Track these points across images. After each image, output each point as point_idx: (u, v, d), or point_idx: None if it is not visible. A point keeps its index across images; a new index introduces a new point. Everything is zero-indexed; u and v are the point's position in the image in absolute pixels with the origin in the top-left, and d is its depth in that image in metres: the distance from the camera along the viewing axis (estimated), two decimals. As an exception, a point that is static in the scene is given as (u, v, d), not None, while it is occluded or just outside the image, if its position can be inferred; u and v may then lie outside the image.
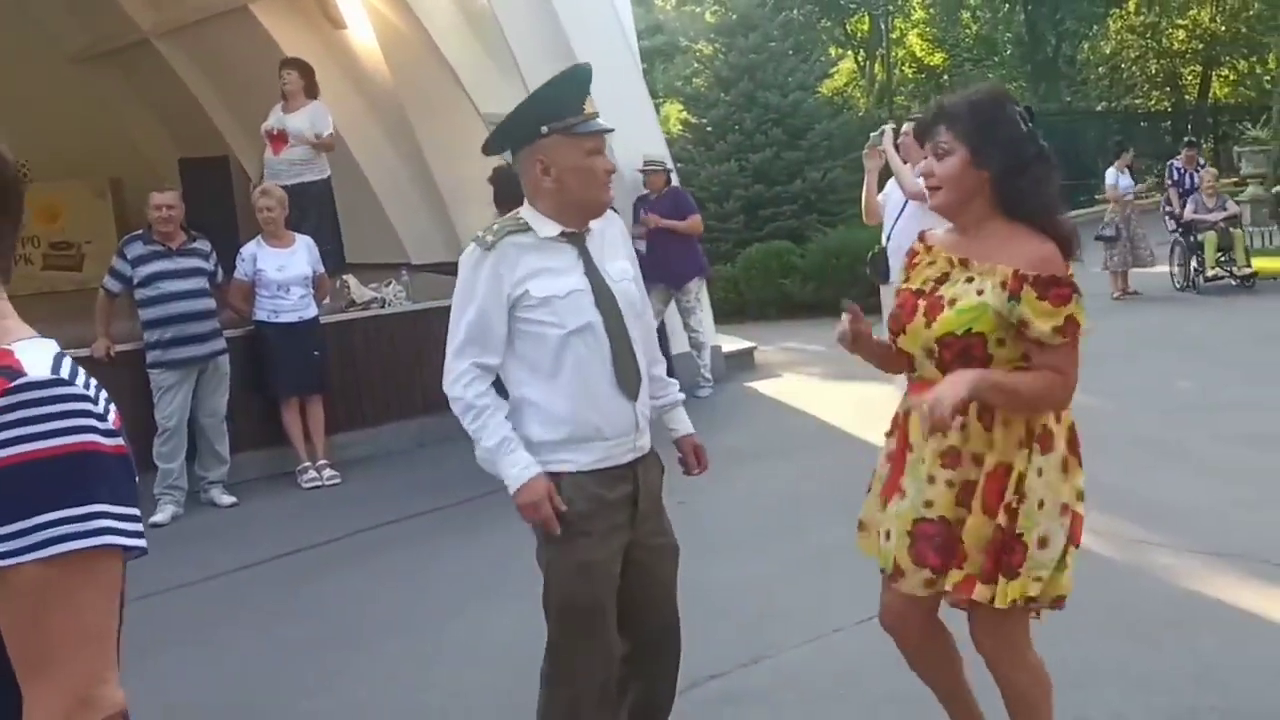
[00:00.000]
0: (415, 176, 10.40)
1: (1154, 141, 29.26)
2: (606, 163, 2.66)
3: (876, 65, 29.26)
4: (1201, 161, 13.87)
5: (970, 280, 2.51)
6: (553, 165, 2.60)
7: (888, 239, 6.84)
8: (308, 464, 6.95)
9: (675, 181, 9.10)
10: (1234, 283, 12.21)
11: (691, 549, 5.01)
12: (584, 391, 2.65)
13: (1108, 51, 31.82)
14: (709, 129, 14.79)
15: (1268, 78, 30.78)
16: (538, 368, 2.66)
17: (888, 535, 2.62)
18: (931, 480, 2.56)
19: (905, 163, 6.71)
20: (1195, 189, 12.84)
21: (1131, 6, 29.86)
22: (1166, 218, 13.13)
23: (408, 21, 9.42)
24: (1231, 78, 32.80)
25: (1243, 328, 9.85)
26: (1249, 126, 20.20)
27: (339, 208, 8.49)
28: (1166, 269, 12.74)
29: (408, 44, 9.68)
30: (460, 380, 2.65)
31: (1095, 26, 28.98)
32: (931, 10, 31.08)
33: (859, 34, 31.51)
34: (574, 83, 2.68)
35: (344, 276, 7.94)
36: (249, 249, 6.83)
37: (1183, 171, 13.47)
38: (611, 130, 2.75)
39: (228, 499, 6.60)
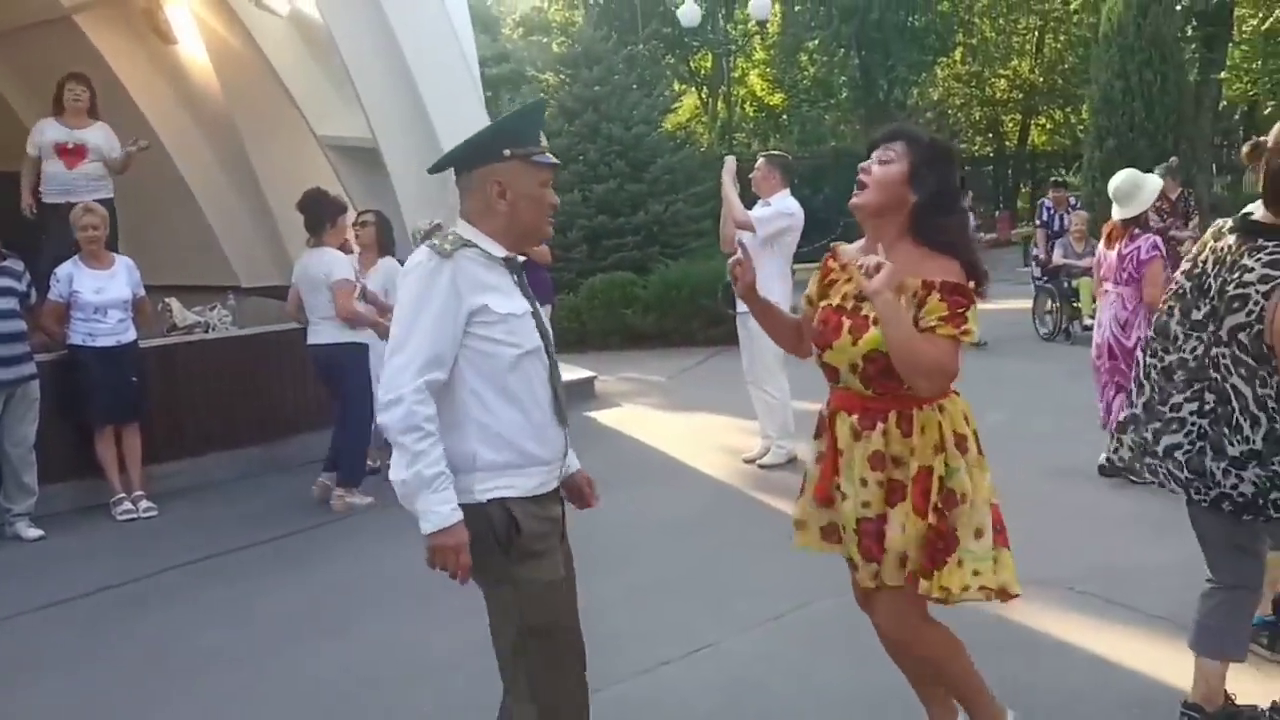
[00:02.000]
0: (246, 197, 10.12)
1: (978, 185, 30.77)
2: (554, 197, 2.70)
3: (719, 103, 29.93)
4: (1074, 202, 12.86)
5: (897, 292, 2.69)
6: (509, 189, 2.58)
7: (729, 271, 6.97)
8: (123, 495, 6.63)
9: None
10: None
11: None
12: (529, 415, 2.59)
13: (935, 98, 33.39)
14: (556, 159, 14.82)
15: (1080, 127, 32.83)
16: (487, 387, 2.56)
17: (844, 528, 2.89)
18: (864, 482, 2.80)
19: (759, 197, 6.94)
20: (1064, 231, 12.02)
21: (957, 56, 31.45)
22: (1033, 262, 12.33)
23: (241, 39, 9.19)
24: (1048, 126, 34.81)
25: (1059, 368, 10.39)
26: (1064, 172, 21.50)
27: (166, 227, 8.19)
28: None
29: (241, 62, 9.43)
30: (411, 396, 2.45)
31: (924, 74, 30.39)
32: (772, 51, 32.03)
33: (702, 71, 32.20)
34: (536, 116, 2.78)
35: (166, 299, 7.62)
36: (65, 269, 6.48)
37: (1052, 212, 12.52)
38: (560, 166, 2.80)
39: (34, 532, 6.22)
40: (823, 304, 2.90)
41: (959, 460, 2.74)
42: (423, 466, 2.45)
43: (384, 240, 7.22)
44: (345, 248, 6.82)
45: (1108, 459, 6.37)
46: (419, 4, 8.57)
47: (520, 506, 2.57)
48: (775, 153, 7.63)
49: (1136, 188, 6.09)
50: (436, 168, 2.73)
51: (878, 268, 2.53)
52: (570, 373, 9.92)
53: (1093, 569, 4.82)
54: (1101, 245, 6.35)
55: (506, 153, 2.57)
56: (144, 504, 6.64)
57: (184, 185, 9.68)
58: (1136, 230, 6.13)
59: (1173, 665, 3.80)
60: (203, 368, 7.35)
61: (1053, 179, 14.10)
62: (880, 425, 2.75)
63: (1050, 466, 6.45)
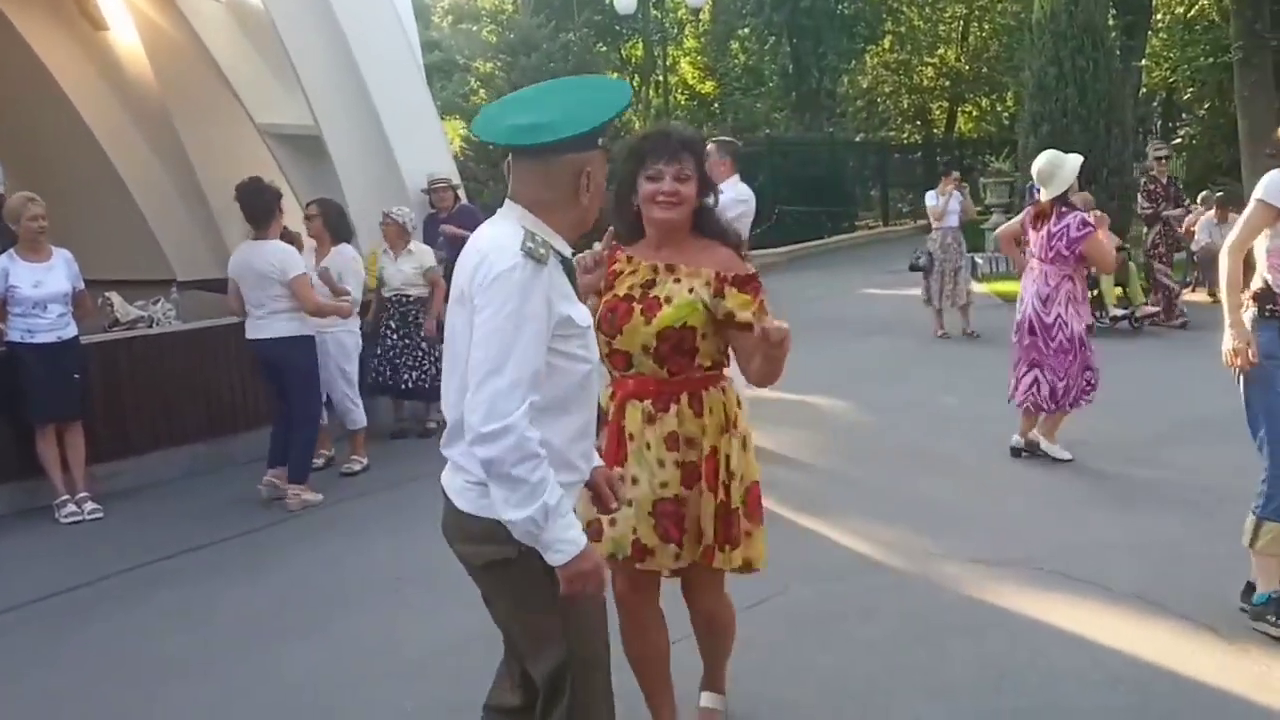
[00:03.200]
0: (183, 188, 9.87)
1: (907, 172, 31.16)
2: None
3: (652, 90, 29.91)
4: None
5: (678, 281, 2.94)
6: (592, 180, 2.37)
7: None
8: (66, 497, 6.40)
9: (464, 199, 8.96)
10: (1133, 325, 11.12)
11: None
12: (582, 430, 2.43)
13: (864, 86, 33.72)
14: (496, 147, 14.67)
15: (1006, 114, 33.37)
16: (555, 405, 2.33)
17: (613, 523, 2.95)
18: (661, 464, 2.96)
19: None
20: None
21: (886, 44, 31.77)
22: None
23: (176, 25, 8.94)
24: (975, 113, 35.35)
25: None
26: (992, 159, 21.78)
27: (97, 219, 7.94)
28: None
29: (176, 49, 9.19)
30: (521, 423, 2.18)
31: (854, 61, 30.65)
32: (703, 40, 32.09)
33: (633, 59, 32.14)
34: None
35: (106, 294, 7.38)
36: (0, 262, 6.24)
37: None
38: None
39: (-27, 537, 5.99)
40: (608, 296, 3.04)
41: (737, 439, 3.00)
42: (547, 497, 2.20)
43: (335, 228, 7.10)
44: (290, 239, 6.67)
45: (1019, 439, 6.49)
46: (361, -10, 8.41)
47: None
48: (725, 139, 7.59)
49: (1057, 168, 6.21)
50: (547, 141, 2.27)
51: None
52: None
53: (1057, 548, 4.89)
54: (1028, 225, 6.42)
55: (600, 141, 2.35)
56: (89, 505, 6.42)
57: (116, 176, 9.39)
58: (1063, 209, 6.22)
59: (1150, 642, 3.87)
60: (147, 363, 7.12)
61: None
62: (674, 406, 2.94)
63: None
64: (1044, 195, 6.27)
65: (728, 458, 2.97)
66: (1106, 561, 4.67)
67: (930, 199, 11.62)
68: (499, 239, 2.30)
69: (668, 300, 2.92)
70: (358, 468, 7.16)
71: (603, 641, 2.50)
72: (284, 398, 6.48)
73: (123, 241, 9.17)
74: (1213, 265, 12.92)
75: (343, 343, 7.05)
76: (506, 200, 2.40)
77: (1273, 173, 3.83)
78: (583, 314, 2.39)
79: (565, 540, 2.24)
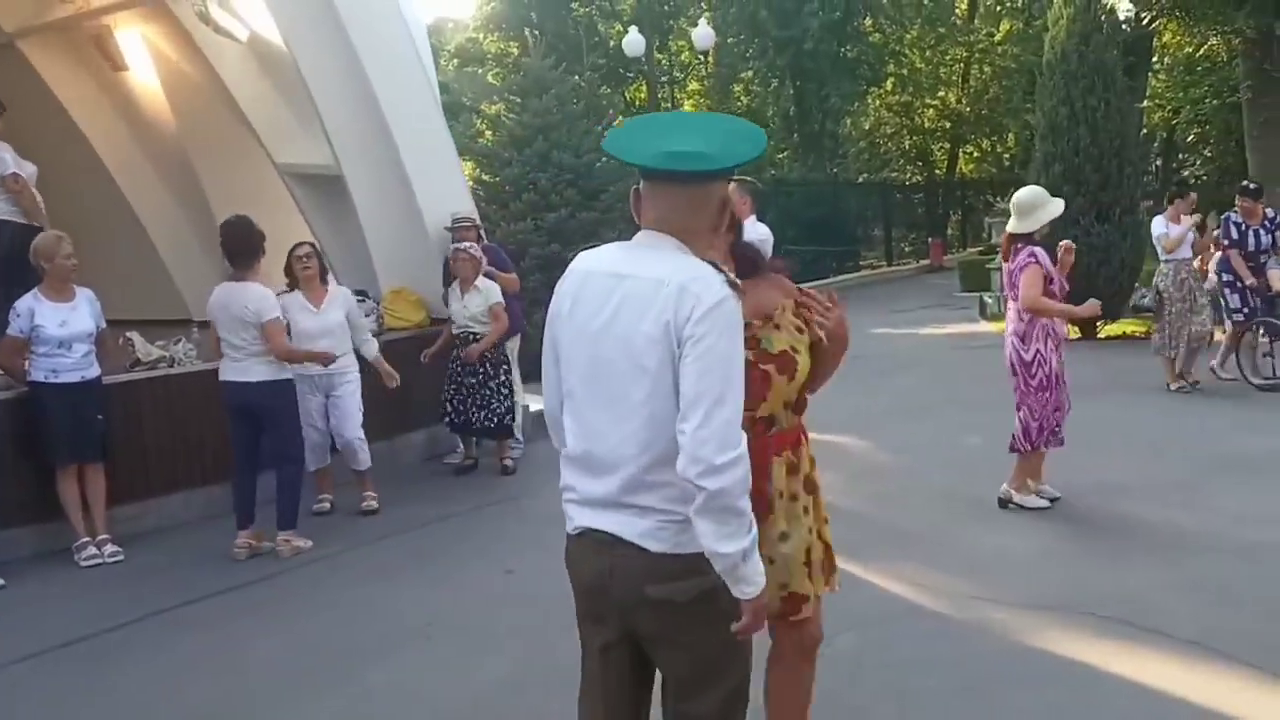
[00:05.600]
0: (200, 229, 9.82)
1: (909, 213, 31.28)
2: None
3: (655, 132, 29.99)
4: (1271, 214, 9.86)
5: (778, 328, 2.87)
6: (729, 208, 2.39)
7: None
8: (87, 539, 6.31)
9: (484, 238, 8.92)
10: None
11: (531, 621, 4.86)
12: None
13: (867, 127, 33.91)
14: (507, 188, 14.68)
15: (1007, 155, 33.56)
16: None
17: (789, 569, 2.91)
18: (806, 511, 2.93)
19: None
20: (1264, 251, 9.54)
21: (888, 86, 31.97)
22: (1225, 290, 9.77)
23: (196, 65, 8.93)
24: (976, 154, 35.53)
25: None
26: (994, 199, 21.88)
27: (114, 259, 7.88)
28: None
29: (195, 89, 9.18)
30: (746, 454, 2.18)
31: (856, 103, 30.84)
32: (707, 83, 32.30)
33: (638, 102, 32.32)
34: None
35: (127, 334, 7.32)
36: (25, 303, 6.16)
37: (1244, 227, 9.68)
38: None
39: (-6, 581, 5.90)
40: None
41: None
42: (753, 529, 2.22)
43: (324, 269, 7.19)
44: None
45: (1006, 491, 6.24)
46: (383, 29, 8.41)
47: None
48: (746, 179, 7.59)
49: (1038, 206, 5.99)
50: (702, 169, 2.26)
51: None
52: (537, 402, 9.76)
53: (1102, 592, 4.79)
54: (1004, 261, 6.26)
55: (736, 172, 2.35)
56: (109, 548, 6.33)
57: (133, 216, 9.36)
58: (1019, 244, 6.00)
59: (1212, 691, 3.77)
60: (168, 404, 7.05)
61: (1241, 184, 10.61)
62: (802, 448, 2.98)
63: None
64: (1012, 226, 6.07)
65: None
66: (1156, 606, 4.57)
67: (1159, 226, 9.82)
68: (696, 273, 2.26)
69: (794, 350, 2.86)
70: (375, 505, 7.11)
71: (751, 661, 2.52)
72: (254, 443, 6.29)
73: (139, 281, 9.13)
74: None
75: (357, 383, 7.09)
76: (647, 230, 2.36)
77: None
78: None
79: (760, 573, 2.25)
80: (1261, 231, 9.59)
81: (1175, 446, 7.52)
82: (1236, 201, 9.90)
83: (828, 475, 7.21)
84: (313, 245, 7.28)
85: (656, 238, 2.33)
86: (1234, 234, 9.67)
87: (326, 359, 6.56)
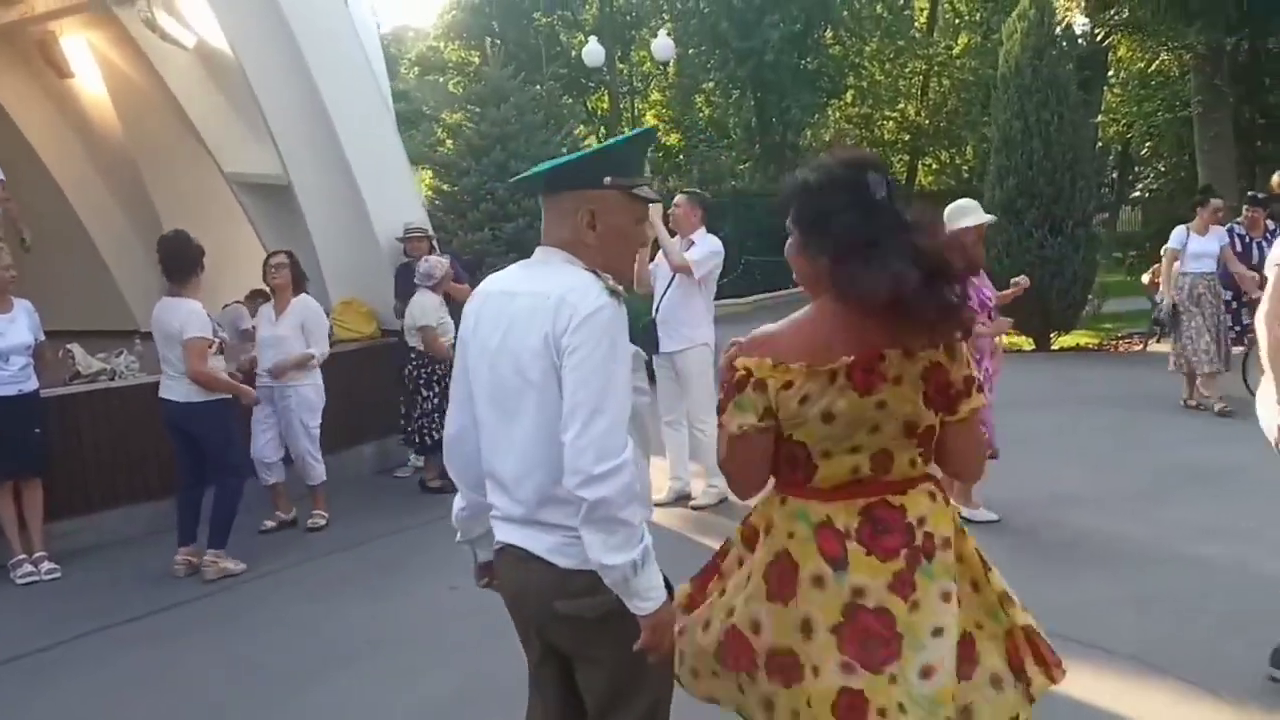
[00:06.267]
0: (147, 239, 9.63)
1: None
2: (645, 235, 2.47)
3: (617, 142, 30.05)
4: (1272, 227, 9.53)
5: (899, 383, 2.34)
6: (601, 220, 2.36)
7: (657, 310, 6.88)
8: (23, 556, 6.18)
9: (436, 248, 8.86)
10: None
11: (475, 636, 4.79)
12: (645, 469, 2.40)
13: (827, 139, 34.08)
14: (465, 197, 14.60)
15: (965, 167, 33.84)
16: (633, 441, 2.30)
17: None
18: (946, 597, 2.29)
19: (673, 235, 6.79)
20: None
21: (848, 98, 32.18)
22: (1232, 304, 9.26)
23: (143, 73, 8.81)
24: (935, 166, 35.80)
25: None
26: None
27: (59, 268, 7.75)
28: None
29: (142, 97, 9.05)
30: (630, 463, 2.16)
31: (817, 115, 31.02)
32: (668, 93, 32.38)
33: (600, 112, 32.35)
34: (644, 145, 2.56)
35: (67, 345, 7.18)
36: (-41, 315, 6.04)
37: (1247, 239, 9.46)
38: (659, 201, 2.59)
39: (-76, 600, 5.75)
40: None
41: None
42: (645, 540, 2.19)
43: (298, 278, 7.02)
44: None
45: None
46: (333, 36, 8.33)
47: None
48: (694, 191, 7.59)
49: (954, 216, 5.95)
50: (523, 180, 2.44)
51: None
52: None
53: (1049, 608, 4.77)
54: None
55: (607, 180, 2.35)
56: (46, 565, 6.20)
57: (79, 225, 9.21)
58: None
59: (1147, 706, 3.77)
60: (109, 417, 6.92)
61: (1249, 194, 10.09)
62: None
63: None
64: None
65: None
66: (1100, 619, 4.58)
67: (1178, 238, 9.03)
68: (575, 284, 2.29)
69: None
70: (322, 522, 7.02)
71: (671, 680, 2.48)
72: (197, 458, 6.17)
73: (85, 292, 8.98)
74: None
75: (306, 397, 6.94)
76: (540, 247, 2.42)
77: None
78: (635, 348, 2.36)
79: (654, 587, 2.21)
80: (1265, 244, 9.09)
81: (1128, 458, 7.57)
82: (1244, 211, 9.58)
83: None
84: (287, 254, 7.10)
85: (546, 253, 2.40)
86: (1238, 247, 9.20)
87: (248, 398, 6.40)
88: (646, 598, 2.20)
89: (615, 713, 2.39)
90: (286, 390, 6.86)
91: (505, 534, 2.43)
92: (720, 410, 2.30)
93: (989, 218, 6.18)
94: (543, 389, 2.27)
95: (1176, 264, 9.04)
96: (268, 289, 7.07)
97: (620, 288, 2.32)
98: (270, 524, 7.01)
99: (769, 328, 2.34)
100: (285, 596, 5.78)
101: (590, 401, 2.17)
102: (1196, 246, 8.95)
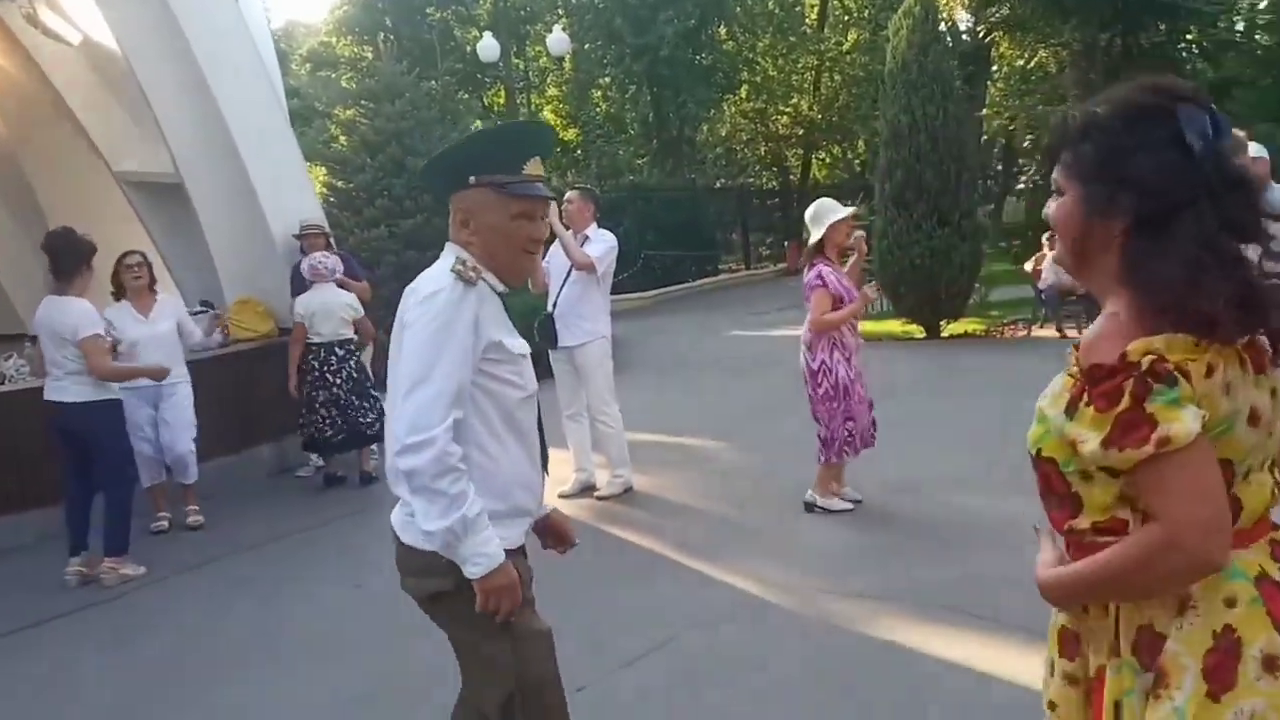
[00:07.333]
0: (34, 239, 9.36)
1: (765, 218, 31.92)
2: (534, 230, 2.45)
3: (514, 138, 29.93)
4: None
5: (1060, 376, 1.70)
6: (473, 219, 2.41)
7: (554, 306, 6.95)
8: (-91, 568, 6.00)
9: (333, 244, 8.78)
10: None
11: (383, 634, 4.82)
12: (521, 463, 2.45)
13: (723, 134, 34.48)
14: (360, 194, 14.46)
15: (858, 161, 34.54)
16: (487, 431, 2.37)
17: None
18: (1051, 669, 1.83)
19: (569, 230, 6.87)
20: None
21: (743, 93, 32.57)
22: None
23: (27, 71, 8.57)
24: (828, 161, 36.45)
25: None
26: (847, 204, 22.35)
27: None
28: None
29: (27, 95, 8.80)
30: (443, 436, 2.23)
31: (712, 110, 31.35)
32: (565, 88, 32.39)
33: (496, 107, 32.21)
34: (518, 139, 2.53)
35: (-48, 350, 6.98)
36: None
37: None
38: (551, 199, 2.58)
39: None
40: None
41: (1140, 679, 1.62)
42: (466, 509, 2.25)
43: (153, 278, 7.07)
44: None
45: (811, 496, 6.33)
46: (224, 34, 8.20)
47: (513, 558, 2.41)
48: (586, 187, 7.70)
49: (817, 216, 6.11)
50: (422, 184, 2.58)
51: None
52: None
53: (943, 583, 4.98)
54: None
55: (472, 180, 2.39)
56: (-66, 576, 6.03)
57: (-41, 227, 8.91)
58: (815, 260, 6.14)
59: (1039, 672, 3.97)
60: (-2, 423, 6.75)
61: None
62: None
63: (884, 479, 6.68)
64: (810, 239, 6.17)
65: (1117, 706, 1.64)
66: (989, 593, 4.77)
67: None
68: (433, 270, 2.41)
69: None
70: (201, 519, 7.00)
71: (551, 662, 2.51)
72: (85, 464, 6.07)
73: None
74: (1059, 302, 13.60)
75: (188, 394, 7.02)
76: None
77: None
78: (518, 344, 2.44)
79: (482, 554, 2.28)
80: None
81: (1013, 440, 7.79)
82: None
83: (682, 477, 7.42)
84: (142, 254, 7.11)
85: (447, 247, 2.49)
86: None
87: (159, 374, 6.35)
88: (475, 562, 2.27)
89: (478, 693, 2.48)
90: (170, 389, 6.84)
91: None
92: (1134, 439, 1.50)
93: (852, 209, 6.33)
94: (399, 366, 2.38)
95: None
96: (117, 289, 6.96)
97: (482, 276, 2.39)
98: (163, 525, 6.92)
99: (1104, 327, 1.60)
100: (184, 599, 5.73)
101: (413, 374, 2.28)
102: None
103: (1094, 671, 1.69)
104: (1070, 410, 1.59)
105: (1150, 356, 1.49)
